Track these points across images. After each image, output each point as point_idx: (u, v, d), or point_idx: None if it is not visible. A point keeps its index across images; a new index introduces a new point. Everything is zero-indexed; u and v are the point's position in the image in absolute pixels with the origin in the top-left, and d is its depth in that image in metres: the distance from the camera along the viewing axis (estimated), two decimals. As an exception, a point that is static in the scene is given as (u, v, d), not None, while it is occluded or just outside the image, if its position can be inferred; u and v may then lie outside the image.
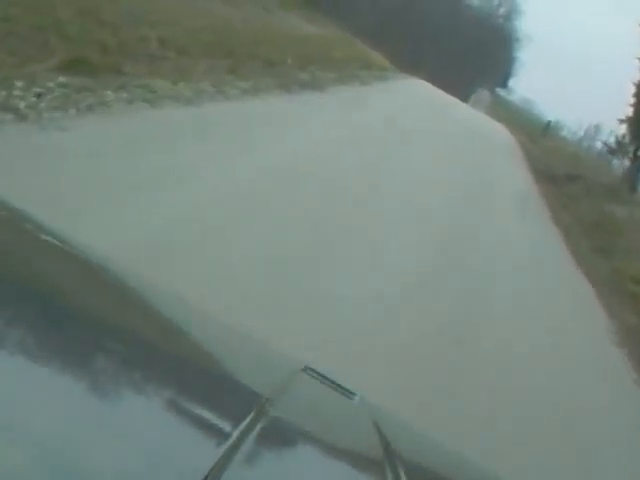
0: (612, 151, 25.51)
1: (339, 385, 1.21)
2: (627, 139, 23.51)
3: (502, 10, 77.71)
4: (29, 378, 0.69)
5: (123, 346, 0.91)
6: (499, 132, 31.10)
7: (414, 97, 24.60)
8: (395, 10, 52.65)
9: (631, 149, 23.21)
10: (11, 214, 1.13)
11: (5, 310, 0.80)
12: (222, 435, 0.75)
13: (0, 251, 0.96)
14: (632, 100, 22.79)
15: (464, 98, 66.76)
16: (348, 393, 1.22)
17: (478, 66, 68.56)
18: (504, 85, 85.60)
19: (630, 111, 22.86)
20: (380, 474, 0.95)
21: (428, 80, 40.41)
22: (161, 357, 0.96)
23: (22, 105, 5.33)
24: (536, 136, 35.93)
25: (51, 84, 5.93)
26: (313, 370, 1.18)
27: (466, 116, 29.09)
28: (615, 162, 26.50)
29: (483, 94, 75.75)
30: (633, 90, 22.72)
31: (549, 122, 42.42)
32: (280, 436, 0.90)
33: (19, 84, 5.59)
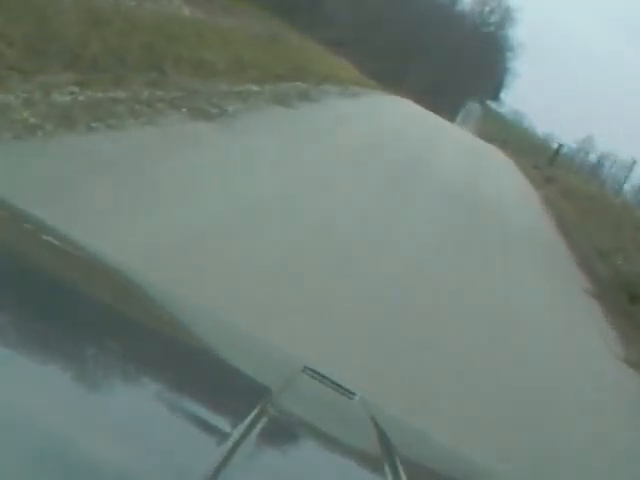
0: None
1: (339, 385, 1.21)
2: None
3: (494, 18, 75.04)
4: (29, 378, 0.69)
5: (123, 345, 0.91)
6: (501, 170, 22.98)
7: (361, 140, 12.37)
8: (378, 19, 49.31)
9: None
10: (11, 214, 1.13)
11: (5, 310, 0.80)
12: (222, 435, 0.76)
13: (0, 251, 0.96)
14: None
15: (453, 111, 65.43)
16: (348, 393, 1.22)
17: (468, 77, 65.95)
18: (495, 97, 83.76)
19: None
20: (380, 473, 0.95)
21: (412, 96, 37.48)
22: (161, 357, 0.96)
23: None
24: (546, 165, 31.01)
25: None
26: (313, 370, 1.19)
27: (453, 160, 17.35)
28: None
29: (473, 107, 74.91)
30: None
31: (559, 146, 36.88)
32: (280, 436, 0.90)
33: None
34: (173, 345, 1.04)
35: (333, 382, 1.21)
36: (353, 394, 1.23)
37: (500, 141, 49.26)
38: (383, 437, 1.08)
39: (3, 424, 0.60)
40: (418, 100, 40.02)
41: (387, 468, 0.95)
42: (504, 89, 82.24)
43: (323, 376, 1.19)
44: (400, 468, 0.96)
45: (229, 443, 0.73)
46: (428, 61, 58.96)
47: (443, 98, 59.35)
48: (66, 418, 0.65)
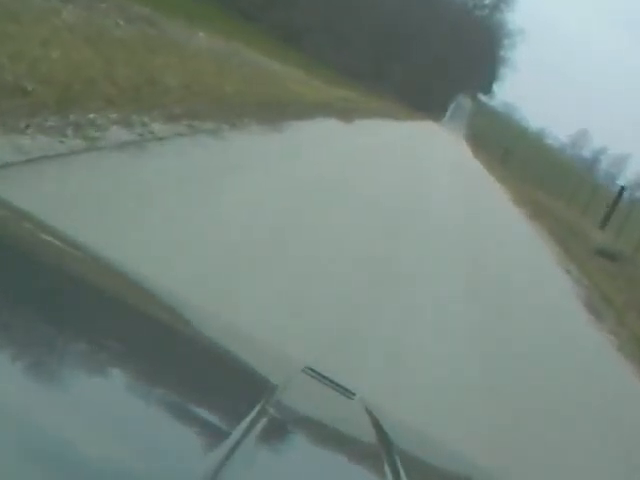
0: None
1: (339, 385, 1.21)
2: None
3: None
4: (29, 377, 0.70)
5: (124, 345, 0.91)
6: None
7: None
8: (352, 4, 41.26)
9: None
10: (11, 214, 1.13)
11: (5, 310, 0.80)
12: (222, 435, 0.76)
13: (0, 251, 0.96)
14: None
15: (442, 108, 63.31)
16: (348, 393, 1.22)
17: (459, 69, 60.56)
18: (488, 90, 78.27)
19: None
20: (380, 474, 0.95)
21: (394, 94, 32.15)
22: (162, 357, 0.96)
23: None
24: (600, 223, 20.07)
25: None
26: (313, 370, 1.19)
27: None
28: None
29: (463, 103, 72.77)
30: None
31: (622, 189, 24.56)
32: (280, 436, 0.91)
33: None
34: (173, 345, 1.04)
35: (333, 382, 1.21)
36: (353, 394, 1.23)
37: (499, 149, 43.35)
38: (383, 437, 1.08)
39: (3, 424, 0.60)
40: (400, 99, 35.13)
41: (387, 468, 0.95)
42: (497, 81, 77.20)
43: (323, 376, 1.19)
44: (400, 468, 0.96)
45: (229, 443, 0.73)
46: (413, 52, 52.61)
47: (430, 94, 55.76)
48: (66, 418, 0.65)
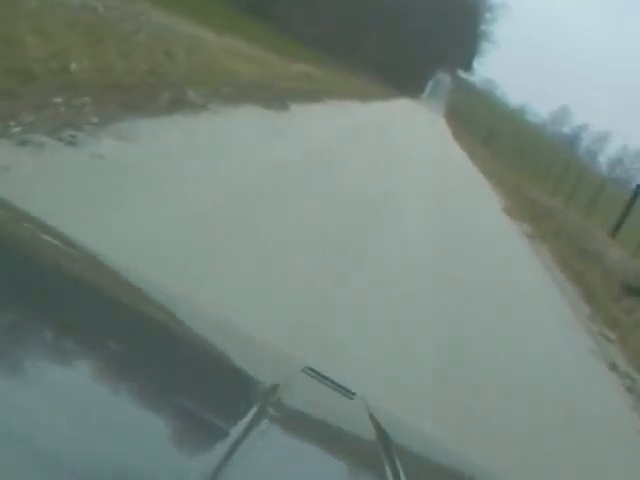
0: None
1: (339, 385, 1.21)
2: None
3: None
4: (29, 378, 0.70)
5: (123, 345, 0.92)
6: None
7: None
8: None
9: None
10: (11, 214, 1.12)
11: (5, 310, 0.80)
12: (222, 435, 0.76)
13: (0, 251, 0.96)
14: None
15: (421, 84, 62.10)
16: (348, 393, 1.22)
17: (439, 44, 57.35)
18: (468, 66, 75.60)
19: None
20: (380, 474, 0.95)
21: (369, 71, 30.17)
22: (161, 357, 0.96)
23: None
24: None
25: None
26: (313, 370, 1.19)
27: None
28: None
29: (443, 80, 71.38)
30: None
31: (638, 189, 20.60)
32: (280, 436, 0.91)
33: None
34: (173, 345, 1.04)
35: (333, 382, 1.21)
36: (353, 394, 1.24)
37: (480, 128, 40.66)
38: (383, 437, 1.09)
39: (3, 424, 0.60)
40: (374, 75, 32.71)
41: (387, 468, 0.95)
42: (477, 56, 73.41)
43: (323, 376, 1.19)
44: (400, 468, 0.96)
45: (229, 443, 0.73)
46: (390, 25, 49.72)
47: (408, 69, 53.90)
48: (65, 418, 0.66)
